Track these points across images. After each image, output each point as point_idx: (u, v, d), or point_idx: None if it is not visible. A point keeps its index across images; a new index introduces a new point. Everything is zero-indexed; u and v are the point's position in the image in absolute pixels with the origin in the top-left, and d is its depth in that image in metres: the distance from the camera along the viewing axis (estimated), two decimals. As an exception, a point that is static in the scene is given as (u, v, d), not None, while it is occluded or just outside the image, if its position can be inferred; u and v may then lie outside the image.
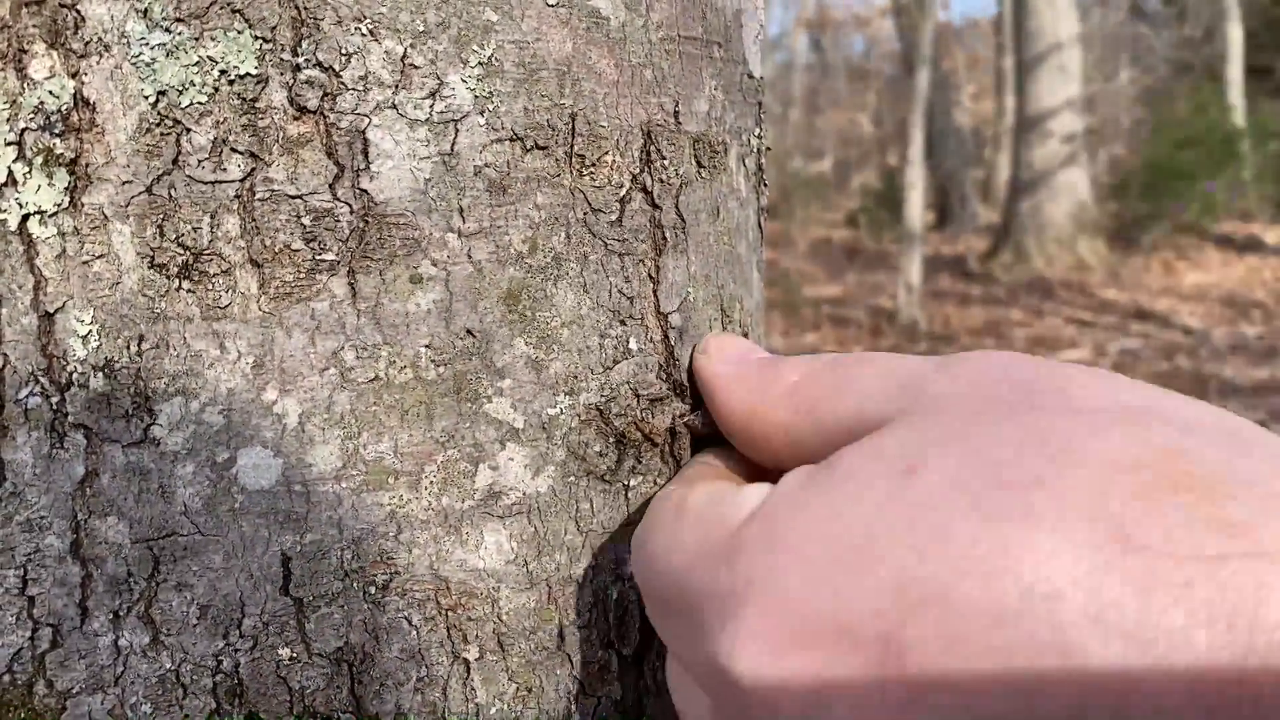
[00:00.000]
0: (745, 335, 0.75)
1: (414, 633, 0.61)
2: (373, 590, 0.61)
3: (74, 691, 0.58)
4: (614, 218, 0.65)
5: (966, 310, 10.15)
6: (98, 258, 0.57)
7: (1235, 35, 15.43)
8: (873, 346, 8.55)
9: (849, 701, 0.43)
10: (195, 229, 0.57)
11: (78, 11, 0.55)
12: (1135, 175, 13.61)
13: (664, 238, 0.67)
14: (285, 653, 0.60)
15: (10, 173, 0.56)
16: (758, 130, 0.78)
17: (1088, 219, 12.72)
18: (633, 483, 0.67)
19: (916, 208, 10.24)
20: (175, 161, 0.57)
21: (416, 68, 0.59)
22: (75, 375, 0.57)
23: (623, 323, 0.66)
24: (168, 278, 0.57)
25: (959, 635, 0.40)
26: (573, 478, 0.65)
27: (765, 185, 0.80)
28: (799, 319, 9.70)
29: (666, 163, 0.67)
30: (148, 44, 0.56)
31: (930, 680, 0.40)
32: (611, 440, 0.65)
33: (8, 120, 0.56)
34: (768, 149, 0.80)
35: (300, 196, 0.58)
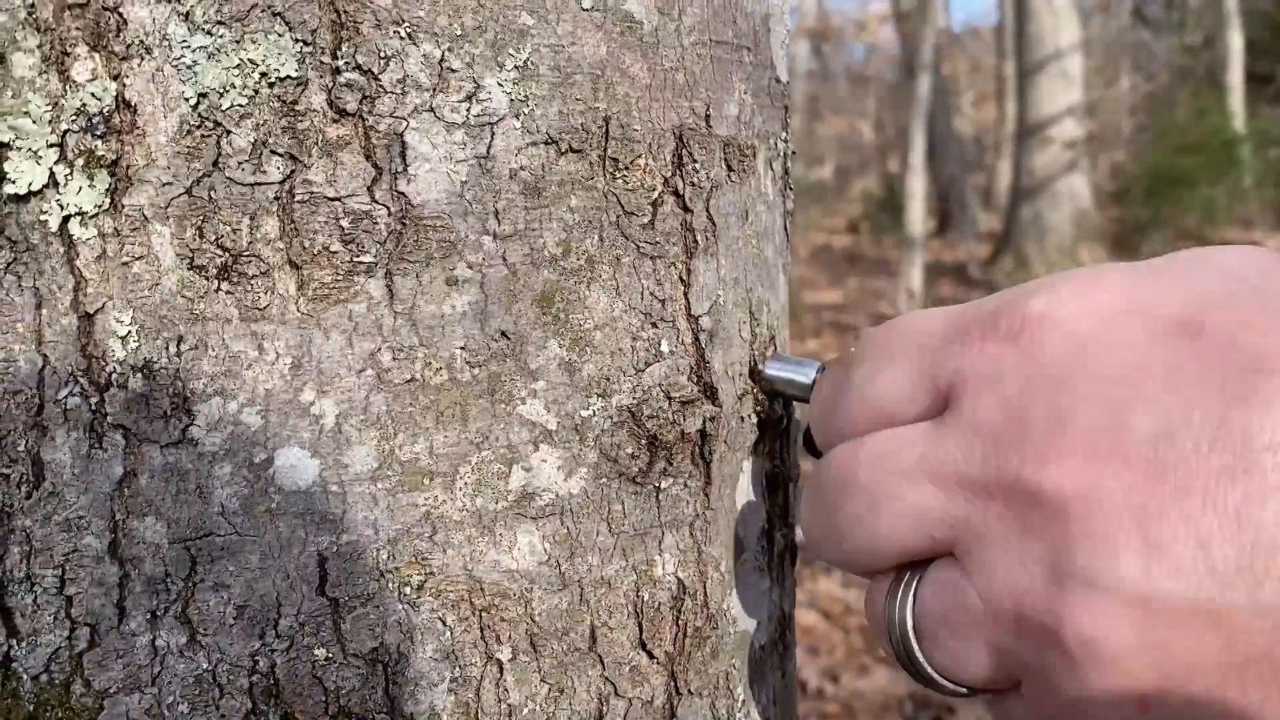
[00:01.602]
0: (772, 338, 0.75)
1: (448, 633, 0.62)
2: (408, 591, 0.61)
3: (111, 691, 0.59)
4: (646, 220, 0.66)
5: (968, 316, 10.14)
6: (137, 259, 0.57)
7: (1236, 42, 15.43)
8: (874, 352, 8.54)
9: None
10: (235, 230, 0.57)
11: (120, 14, 0.56)
12: (1136, 181, 13.62)
13: (695, 241, 0.68)
14: (321, 653, 0.60)
15: (52, 174, 0.56)
16: (784, 134, 0.78)
17: (1089, 225, 12.73)
18: (664, 485, 0.67)
19: (917, 214, 10.25)
20: (215, 163, 0.57)
21: (454, 71, 0.59)
22: (114, 376, 0.58)
23: (655, 325, 0.66)
24: (207, 279, 0.57)
25: None
26: (605, 479, 0.65)
27: (791, 189, 0.80)
28: (800, 325, 9.71)
29: (698, 166, 0.67)
30: (189, 47, 0.56)
31: None
32: (643, 442, 0.66)
33: (50, 122, 0.56)
34: (793, 153, 0.81)
35: (339, 199, 0.58)
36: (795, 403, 0.76)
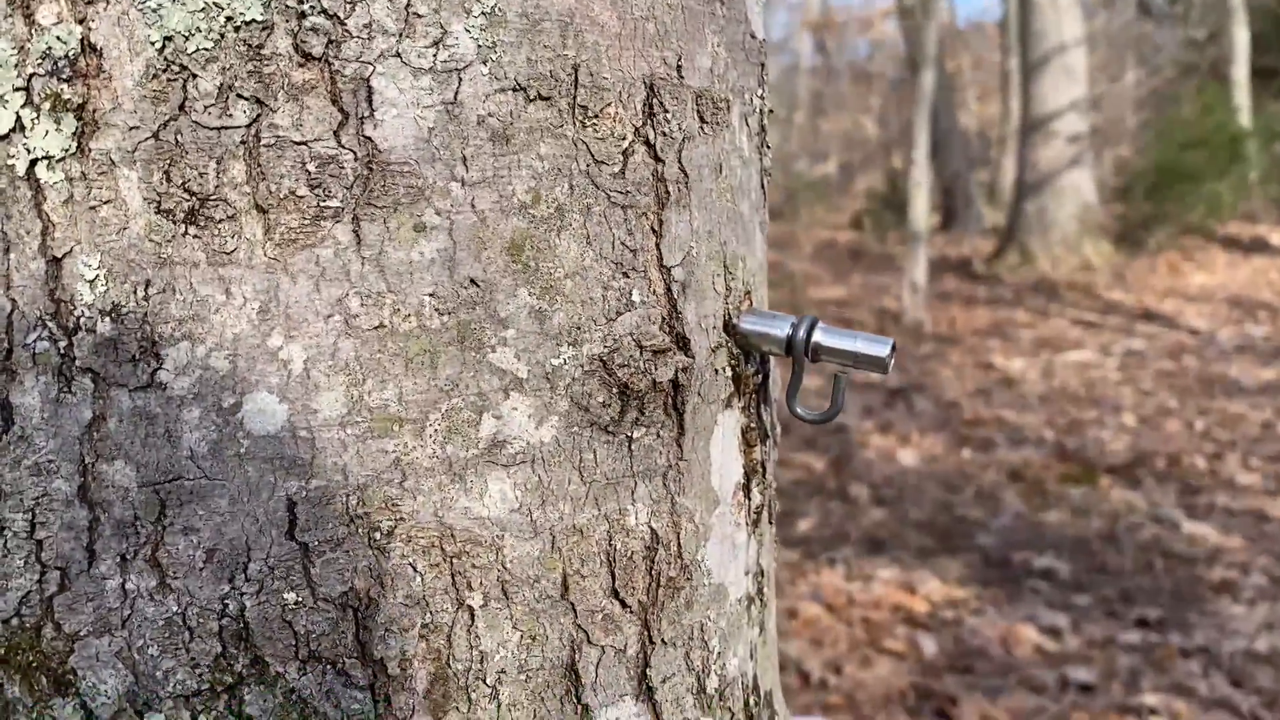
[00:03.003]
0: (748, 293, 0.75)
1: (418, 579, 0.62)
2: (378, 536, 0.61)
3: (81, 634, 0.59)
4: (617, 169, 0.66)
5: (971, 312, 10.14)
6: (105, 203, 0.57)
7: (1241, 36, 15.38)
8: (878, 347, 8.53)
9: None
10: (201, 174, 0.58)
11: (85, -42, 0.56)
12: (1141, 176, 13.57)
13: (667, 191, 0.68)
14: (291, 597, 0.60)
15: (18, 118, 0.57)
16: (760, 91, 0.78)
17: (1093, 220, 12.69)
18: (636, 434, 0.67)
19: (921, 209, 10.22)
20: (182, 107, 0.57)
21: (420, 16, 0.60)
22: (83, 320, 0.58)
23: (625, 275, 0.66)
24: (174, 223, 0.58)
25: None
26: (576, 428, 0.65)
27: (768, 146, 0.80)
28: (804, 320, 9.70)
29: (669, 116, 0.68)
30: (154, -10, 0.56)
31: None
32: (615, 391, 0.66)
33: (16, 66, 0.56)
34: (770, 111, 0.81)
35: (305, 143, 0.58)
36: (772, 359, 0.77)
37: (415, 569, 0.62)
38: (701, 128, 0.70)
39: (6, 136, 0.57)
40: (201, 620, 0.59)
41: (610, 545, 0.67)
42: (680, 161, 0.68)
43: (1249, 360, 7.90)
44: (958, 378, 7.65)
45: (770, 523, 0.81)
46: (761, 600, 0.79)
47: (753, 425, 0.76)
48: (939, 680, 3.66)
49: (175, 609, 0.59)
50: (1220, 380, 7.36)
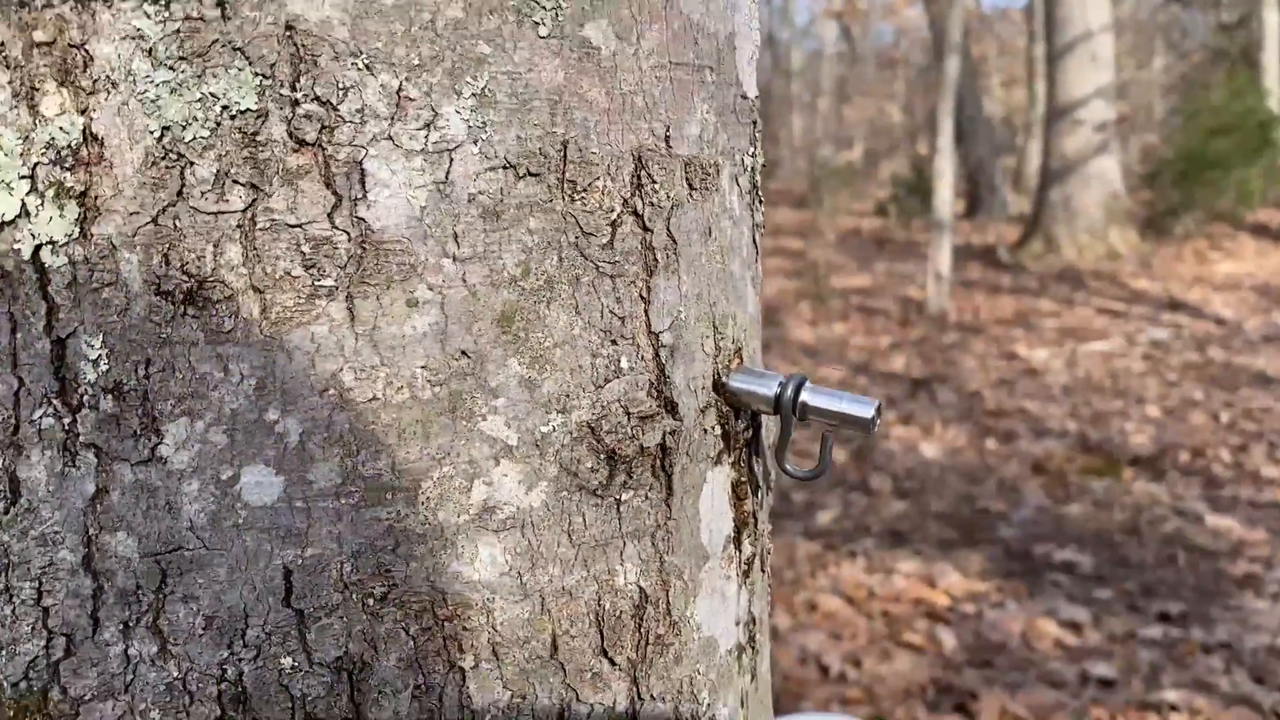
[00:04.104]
0: (738, 350, 0.77)
1: (411, 643, 0.64)
2: (371, 602, 0.63)
3: (86, 698, 0.61)
4: (605, 241, 0.67)
5: (996, 300, 10.10)
6: (107, 285, 0.59)
7: (1271, 21, 15.21)
8: (902, 336, 8.54)
9: None
10: (199, 257, 0.60)
11: (86, 51, 0.58)
12: (1168, 163, 13.45)
13: (655, 259, 0.69)
14: (287, 662, 0.62)
15: (24, 205, 0.59)
16: (752, 149, 0.80)
17: (1119, 208, 12.61)
18: (624, 497, 0.69)
19: (946, 197, 10.17)
20: (180, 193, 0.59)
21: (411, 100, 0.61)
22: (86, 397, 0.60)
23: (614, 342, 0.68)
24: (173, 304, 0.60)
25: None
26: (565, 493, 0.67)
27: (761, 201, 0.82)
28: (827, 309, 9.70)
29: (657, 186, 0.69)
30: (153, 81, 0.58)
31: None
32: (603, 456, 0.68)
33: (21, 155, 0.59)
34: (763, 166, 0.82)
35: (300, 225, 0.60)
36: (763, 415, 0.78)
37: (408, 633, 0.64)
38: (690, 194, 0.71)
39: (12, 222, 0.59)
40: (201, 685, 0.61)
41: (599, 605, 0.68)
42: (669, 229, 0.70)
43: (1276, 350, 7.84)
44: (981, 368, 7.63)
45: (763, 570, 0.82)
46: (754, 648, 0.81)
47: (743, 479, 0.78)
48: (959, 675, 3.67)
49: (176, 674, 0.61)
50: (1246, 371, 7.32)
